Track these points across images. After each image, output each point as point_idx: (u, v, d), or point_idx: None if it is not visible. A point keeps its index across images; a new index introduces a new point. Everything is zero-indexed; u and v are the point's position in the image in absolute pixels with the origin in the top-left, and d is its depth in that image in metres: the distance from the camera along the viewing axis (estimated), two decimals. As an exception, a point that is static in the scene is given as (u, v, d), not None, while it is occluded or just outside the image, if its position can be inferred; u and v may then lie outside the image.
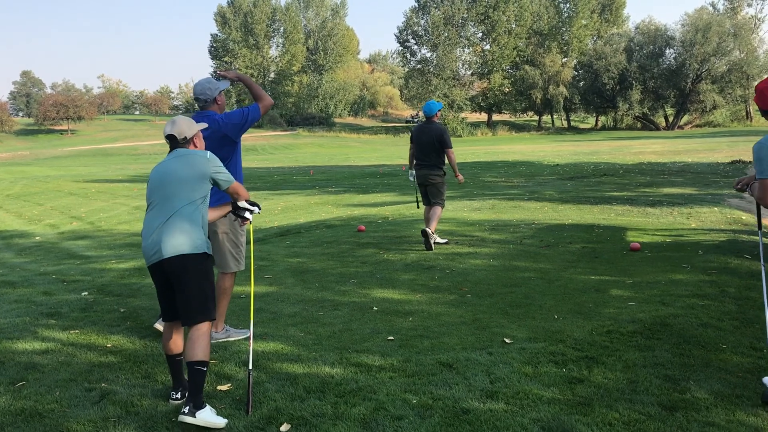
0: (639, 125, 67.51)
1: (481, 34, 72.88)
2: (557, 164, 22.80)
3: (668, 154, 25.79)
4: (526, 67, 69.14)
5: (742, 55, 60.65)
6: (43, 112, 71.40)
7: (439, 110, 7.76)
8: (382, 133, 71.23)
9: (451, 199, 12.20)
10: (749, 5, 68.00)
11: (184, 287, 3.24)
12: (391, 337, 4.37)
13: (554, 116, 76.17)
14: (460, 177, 7.92)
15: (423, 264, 6.79)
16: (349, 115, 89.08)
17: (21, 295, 6.12)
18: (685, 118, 65.79)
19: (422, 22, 71.24)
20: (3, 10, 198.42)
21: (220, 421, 3.07)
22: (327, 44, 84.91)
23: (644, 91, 62.91)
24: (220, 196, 4.04)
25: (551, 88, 66.72)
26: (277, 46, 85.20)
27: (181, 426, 3.09)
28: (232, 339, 4.45)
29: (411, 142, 7.93)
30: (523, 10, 69.34)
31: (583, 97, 67.58)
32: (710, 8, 65.97)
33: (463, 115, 71.53)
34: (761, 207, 3.68)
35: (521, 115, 78.29)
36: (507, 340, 4.21)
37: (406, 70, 77.89)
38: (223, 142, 4.27)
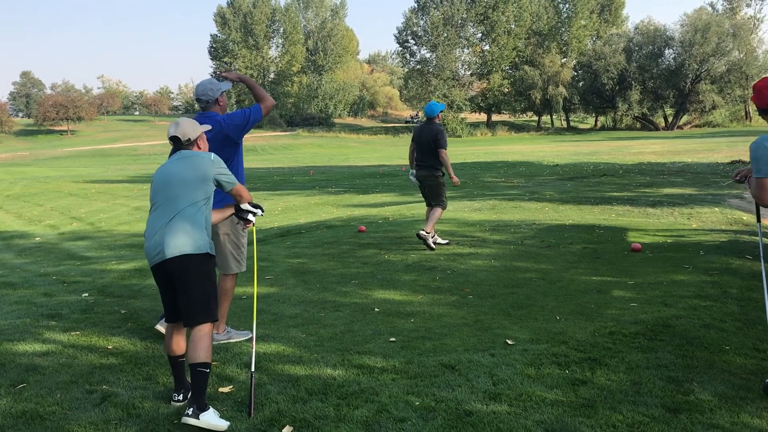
0: (638, 125, 67.52)
1: (480, 35, 72.87)
2: (557, 164, 22.79)
3: (668, 154, 25.79)
4: (526, 67, 69.16)
5: (741, 56, 60.67)
6: (43, 112, 71.34)
7: (441, 111, 7.72)
8: (382, 134, 71.23)
9: (452, 200, 12.18)
10: (748, 5, 68.05)
11: (186, 288, 3.24)
12: (392, 339, 4.36)
13: (553, 116, 76.17)
14: (455, 179, 7.78)
15: (424, 265, 6.78)
16: (349, 115, 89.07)
17: (21, 296, 6.11)
18: (685, 119, 65.82)
19: (421, 22, 71.22)
20: (3, 10, 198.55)
21: (223, 424, 3.06)
22: (326, 45, 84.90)
23: (643, 92, 62.94)
24: (221, 197, 4.03)
25: (550, 88, 66.74)
26: (277, 46, 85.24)
27: (184, 428, 3.08)
28: (234, 340, 4.43)
29: (412, 141, 7.91)
30: (523, 10, 69.33)
31: (582, 97, 67.59)
32: (709, 8, 66.00)
33: (462, 115, 71.51)
34: (761, 207, 3.69)
35: (520, 116, 78.31)
36: (509, 342, 4.20)
37: (406, 70, 77.86)
38: (225, 143, 4.26)
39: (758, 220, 4.24)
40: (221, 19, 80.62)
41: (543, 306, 5.05)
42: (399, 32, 72.79)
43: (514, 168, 22.61)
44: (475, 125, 71.22)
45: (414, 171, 7.89)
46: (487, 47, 72.25)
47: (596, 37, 72.42)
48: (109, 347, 4.36)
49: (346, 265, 6.97)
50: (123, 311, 5.32)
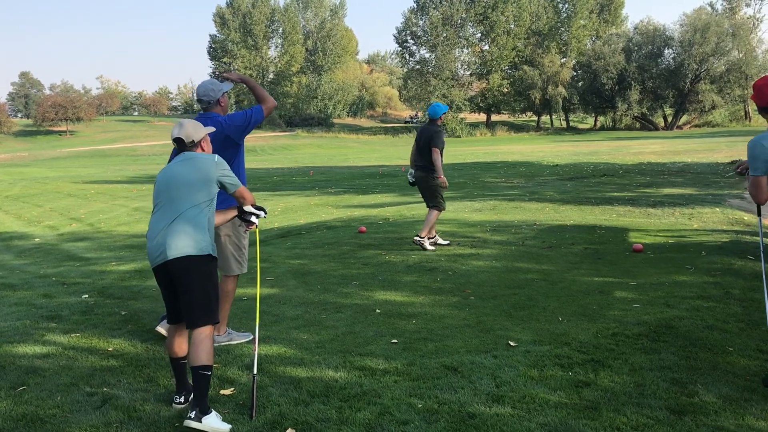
0: (638, 125, 67.51)
1: (479, 35, 72.84)
2: (557, 164, 22.79)
3: (668, 154, 25.79)
4: (525, 67, 69.12)
5: (741, 55, 60.67)
6: (42, 113, 71.24)
7: (444, 113, 7.64)
8: (381, 134, 71.20)
9: (452, 200, 12.17)
10: (748, 5, 68.02)
11: (187, 289, 3.22)
12: (394, 340, 4.34)
13: (553, 116, 76.12)
14: (442, 179, 7.55)
15: (425, 266, 6.76)
16: (348, 115, 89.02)
17: (21, 297, 6.08)
18: (684, 118, 65.82)
19: (421, 22, 71.20)
20: (2, 10, 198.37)
21: (225, 427, 3.04)
22: (326, 45, 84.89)
23: (643, 91, 62.91)
24: (223, 198, 4.01)
25: (550, 88, 66.71)
26: (276, 46, 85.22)
27: (186, 431, 3.06)
28: (235, 342, 4.41)
29: (414, 142, 7.88)
30: (522, 10, 69.30)
31: (581, 97, 67.58)
32: (709, 8, 65.97)
33: (461, 115, 71.45)
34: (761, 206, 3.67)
35: (520, 116, 78.24)
36: (512, 343, 4.18)
37: (405, 70, 77.82)
38: (227, 144, 4.24)
39: (758, 212, 4.21)
40: (220, 19, 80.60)
41: (545, 307, 5.04)
42: (398, 32, 72.79)
43: (514, 168, 22.60)
44: (474, 125, 71.18)
45: (413, 171, 7.86)
46: (486, 47, 72.22)
47: (596, 37, 72.39)
48: (110, 349, 4.34)
49: (347, 266, 6.95)
50: (123, 313, 5.30)
